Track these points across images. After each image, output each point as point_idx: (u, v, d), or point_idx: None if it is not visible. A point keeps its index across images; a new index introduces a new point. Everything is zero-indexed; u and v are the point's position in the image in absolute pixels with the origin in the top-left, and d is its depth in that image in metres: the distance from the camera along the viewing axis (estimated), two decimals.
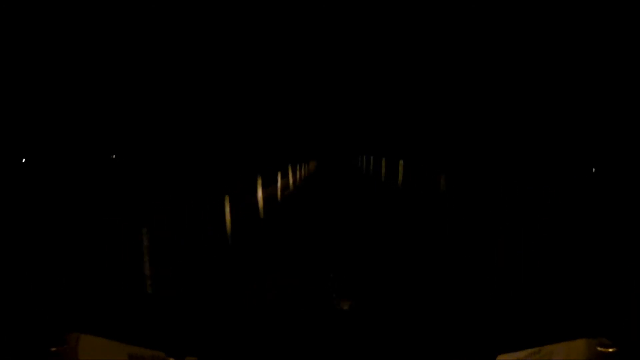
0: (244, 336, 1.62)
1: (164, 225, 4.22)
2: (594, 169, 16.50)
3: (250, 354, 1.48)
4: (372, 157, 18.36)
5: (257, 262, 5.28)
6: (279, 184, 11.08)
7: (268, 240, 6.62)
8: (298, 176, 15.75)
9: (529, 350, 1.22)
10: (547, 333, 1.40)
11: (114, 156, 27.66)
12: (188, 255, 4.57)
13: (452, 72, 23.18)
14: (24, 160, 23.34)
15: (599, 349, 1.14)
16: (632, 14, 17.62)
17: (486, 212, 4.84)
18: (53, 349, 1.12)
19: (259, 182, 8.27)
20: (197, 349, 1.35)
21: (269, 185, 10.16)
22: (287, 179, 13.32)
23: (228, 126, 29.94)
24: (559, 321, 1.71)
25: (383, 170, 15.06)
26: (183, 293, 3.98)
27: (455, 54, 23.17)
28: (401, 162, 12.05)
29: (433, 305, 3.61)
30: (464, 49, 22.89)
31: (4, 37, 22.50)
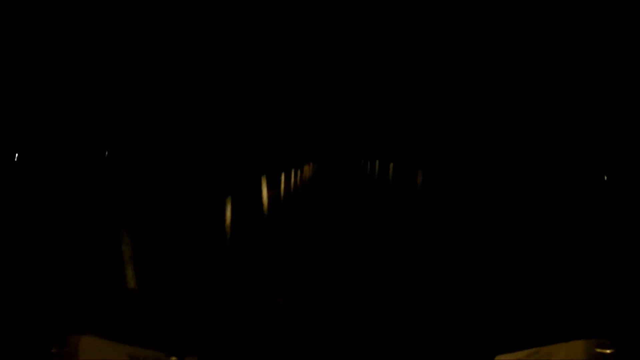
0: (245, 336, 1.62)
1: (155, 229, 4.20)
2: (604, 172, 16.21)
3: (251, 354, 1.49)
4: (391, 165, 12.07)
5: None
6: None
7: None
8: (282, 189, 10.94)
9: (528, 351, 1.22)
10: (547, 333, 1.41)
11: (106, 153, 27.38)
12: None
13: (455, 71, 22.91)
14: (16, 157, 23.19)
15: (597, 349, 1.14)
16: None
17: (487, 211, 4.85)
18: (54, 349, 1.12)
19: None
20: (197, 349, 1.35)
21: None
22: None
23: (217, 125, 28.60)
24: (558, 321, 1.71)
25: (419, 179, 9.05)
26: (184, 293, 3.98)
27: (457, 52, 22.98)
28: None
29: (430, 305, 3.61)
30: (465, 46, 22.68)
31: None
